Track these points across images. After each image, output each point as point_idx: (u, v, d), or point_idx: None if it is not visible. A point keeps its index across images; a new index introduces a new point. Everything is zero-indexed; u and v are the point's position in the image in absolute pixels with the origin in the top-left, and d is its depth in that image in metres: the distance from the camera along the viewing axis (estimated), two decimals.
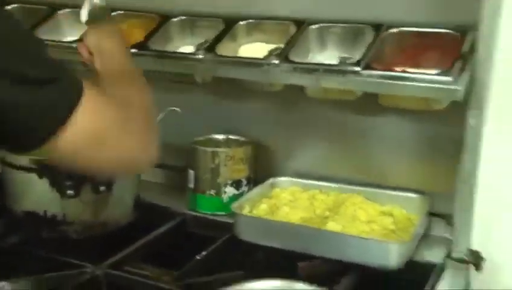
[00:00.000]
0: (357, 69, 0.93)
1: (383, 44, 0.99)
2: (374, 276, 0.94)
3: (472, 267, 1.02)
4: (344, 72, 0.94)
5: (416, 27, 0.99)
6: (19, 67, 0.53)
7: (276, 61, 0.99)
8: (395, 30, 1.00)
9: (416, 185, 1.09)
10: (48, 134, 0.55)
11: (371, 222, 1.05)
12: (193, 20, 1.15)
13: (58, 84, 0.56)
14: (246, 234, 1.01)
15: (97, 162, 0.63)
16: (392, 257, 0.94)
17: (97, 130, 0.60)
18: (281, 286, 0.86)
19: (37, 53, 0.57)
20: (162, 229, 1.09)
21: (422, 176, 1.10)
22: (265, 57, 1.01)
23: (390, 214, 1.07)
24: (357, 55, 0.97)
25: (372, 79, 0.92)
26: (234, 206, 1.05)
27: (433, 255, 1.03)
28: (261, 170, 1.18)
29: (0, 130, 0.54)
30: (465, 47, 0.93)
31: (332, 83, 0.97)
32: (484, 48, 0.90)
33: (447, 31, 0.97)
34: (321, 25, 1.05)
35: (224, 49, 1.07)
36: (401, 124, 1.08)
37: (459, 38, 0.95)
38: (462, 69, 0.89)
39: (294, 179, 1.17)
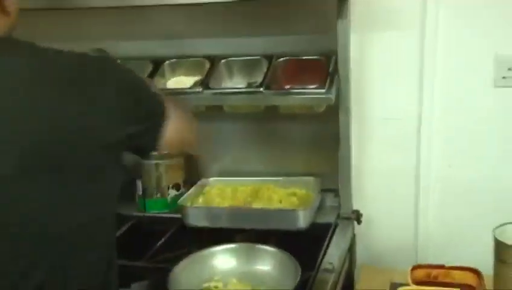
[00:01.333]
0: (261, 89, 1.30)
1: (275, 70, 1.37)
2: (290, 236, 1.30)
3: (355, 222, 1.44)
4: (252, 93, 1.31)
5: (296, 56, 1.39)
6: (140, 111, 0.89)
7: (200, 89, 1.33)
8: (282, 59, 1.38)
9: (310, 171, 1.48)
10: (158, 144, 0.92)
11: (282, 201, 1.42)
12: (125, 62, 1.44)
13: (159, 116, 0.92)
14: (193, 221, 1.34)
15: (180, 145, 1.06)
16: (300, 221, 1.32)
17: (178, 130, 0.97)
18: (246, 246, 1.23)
19: (147, 97, 0.93)
20: (122, 230, 1.38)
21: (314, 164, 1.49)
22: (191, 87, 1.34)
23: (295, 194, 1.44)
24: (258, 80, 1.34)
25: (271, 96, 1.30)
26: (180, 202, 1.36)
27: (328, 218, 1.42)
28: (193, 174, 1.52)
29: (133, 147, 0.91)
30: (331, 68, 1.34)
31: (243, 101, 1.34)
32: (342, 69, 1.32)
33: (317, 57, 1.37)
34: (228, 59, 1.41)
35: (157, 83, 1.38)
36: (294, 127, 1.48)
37: (325, 62, 1.35)
38: (331, 84, 1.30)
39: (218, 178, 1.51)
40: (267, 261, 1.22)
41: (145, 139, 0.92)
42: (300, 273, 1.13)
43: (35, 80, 0.79)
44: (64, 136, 0.78)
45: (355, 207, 1.44)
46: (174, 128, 0.95)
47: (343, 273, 1.33)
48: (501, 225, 1.16)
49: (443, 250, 1.43)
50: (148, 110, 0.92)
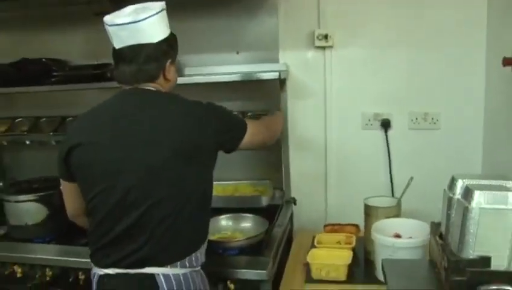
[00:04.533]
0: None
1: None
2: (257, 210, 2.34)
3: (292, 204, 2.52)
4: None
5: (258, 112, 2.48)
6: (225, 127, 1.64)
7: None
8: (250, 113, 2.48)
9: (267, 177, 2.56)
10: (238, 146, 1.69)
11: (252, 193, 2.50)
12: None
13: (241, 127, 1.70)
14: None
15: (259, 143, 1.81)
16: (263, 202, 2.38)
17: (256, 135, 1.75)
18: (235, 215, 2.27)
19: (230, 118, 1.71)
20: None
21: (269, 173, 2.57)
22: None
23: (258, 189, 2.52)
24: None
25: None
26: None
27: (277, 201, 2.49)
28: None
29: (223, 148, 1.67)
30: None
31: None
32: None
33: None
34: None
35: None
36: (259, 154, 2.54)
37: None
38: None
39: (219, 182, 2.53)
40: (248, 222, 2.26)
41: (230, 143, 1.67)
42: (267, 225, 2.17)
43: (180, 113, 1.55)
44: (193, 142, 1.53)
45: (292, 195, 2.52)
46: (251, 134, 1.70)
47: (286, 231, 2.38)
48: (368, 197, 2.20)
49: (339, 214, 2.49)
50: (231, 125, 1.67)
